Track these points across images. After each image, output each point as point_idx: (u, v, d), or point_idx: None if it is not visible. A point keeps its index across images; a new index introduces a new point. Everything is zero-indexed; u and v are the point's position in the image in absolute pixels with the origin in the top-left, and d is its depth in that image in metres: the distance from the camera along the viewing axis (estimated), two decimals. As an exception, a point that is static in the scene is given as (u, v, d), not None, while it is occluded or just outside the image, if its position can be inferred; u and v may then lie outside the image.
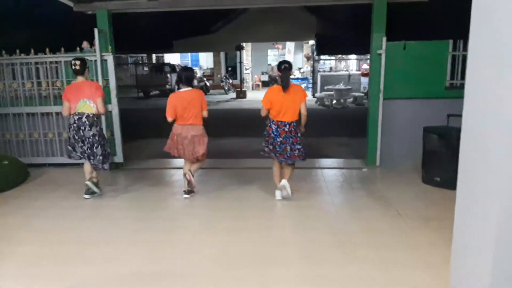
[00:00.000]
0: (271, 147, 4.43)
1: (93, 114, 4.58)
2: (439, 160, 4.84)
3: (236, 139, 8.50)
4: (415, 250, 3.35)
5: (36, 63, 6.05)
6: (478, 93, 1.99)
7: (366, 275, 2.98)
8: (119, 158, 6.14)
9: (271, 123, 4.40)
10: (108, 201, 4.73)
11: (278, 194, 4.61)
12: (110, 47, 5.93)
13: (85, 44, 6.06)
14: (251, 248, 3.45)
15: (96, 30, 5.75)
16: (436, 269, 3.01)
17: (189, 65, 25.18)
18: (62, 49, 5.96)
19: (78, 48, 5.96)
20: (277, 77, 4.47)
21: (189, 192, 4.75)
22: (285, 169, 4.56)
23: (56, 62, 6.01)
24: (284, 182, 4.51)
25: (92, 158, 4.63)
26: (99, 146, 4.63)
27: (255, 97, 18.06)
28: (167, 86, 18.59)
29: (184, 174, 4.69)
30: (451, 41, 5.75)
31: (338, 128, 9.44)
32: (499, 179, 1.78)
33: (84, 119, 4.51)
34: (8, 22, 6.68)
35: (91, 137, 4.55)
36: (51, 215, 4.29)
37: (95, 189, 4.76)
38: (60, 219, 4.17)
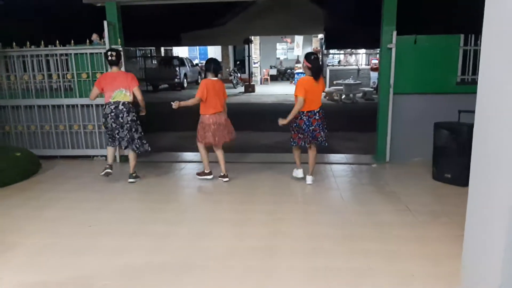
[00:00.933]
0: (301, 136, 4.71)
1: (128, 102, 4.87)
2: (450, 156, 4.80)
3: (245, 133, 8.49)
4: (424, 244, 3.34)
5: (47, 55, 6.09)
6: (491, 89, 1.96)
7: (374, 267, 2.98)
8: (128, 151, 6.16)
9: (302, 116, 4.61)
10: (119, 193, 4.77)
11: (299, 172, 5.08)
12: (119, 39, 5.95)
13: (94, 37, 6.08)
14: (259, 240, 3.46)
15: (105, 23, 5.77)
16: (445, 263, 3.00)
17: (197, 58, 25.28)
18: (72, 41, 6.00)
19: (87, 41, 5.99)
20: (305, 68, 4.67)
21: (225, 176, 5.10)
22: (310, 156, 4.87)
23: (66, 55, 6.05)
24: (308, 178, 4.93)
25: (131, 142, 4.95)
26: (137, 131, 4.97)
27: (264, 91, 18.05)
28: (176, 80, 18.61)
29: (224, 176, 5.09)
30: (462, 36, 5.68)
31: (347, 123, 9.39)
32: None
33: (121, 106, 4.81)
34: (18, 14, 6.72)
35: (129, 122, 4.86)
36: (61, 206, 4.33)
37: (137, 179, 5.17)
38: (70, 210, 4.22)
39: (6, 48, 6.07)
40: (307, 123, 4.64)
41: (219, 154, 5.04)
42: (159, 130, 8.30)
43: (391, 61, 5.62)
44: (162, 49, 23.68)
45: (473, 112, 4.98)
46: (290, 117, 4.60)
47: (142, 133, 5.09)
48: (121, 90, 4.83)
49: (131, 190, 4.91)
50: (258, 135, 8.12)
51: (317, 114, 4.66)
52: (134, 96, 4.94)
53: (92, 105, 6.11)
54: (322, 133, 4.72)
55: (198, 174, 5.24)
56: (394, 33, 5.52)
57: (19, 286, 2.82)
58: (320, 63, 4.61)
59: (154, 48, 22.59)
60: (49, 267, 3.09)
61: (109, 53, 4.86)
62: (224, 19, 13.83)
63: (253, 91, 18.06)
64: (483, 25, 2.01)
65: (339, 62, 21.07)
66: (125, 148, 5.06)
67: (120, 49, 5.29)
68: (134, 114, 4.94)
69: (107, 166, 5.03)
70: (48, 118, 6.25)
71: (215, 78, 4.87)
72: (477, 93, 2.06)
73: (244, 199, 4.50)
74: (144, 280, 2.88)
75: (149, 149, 5.18)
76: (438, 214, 3.95)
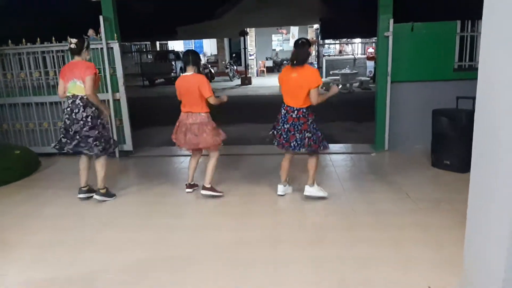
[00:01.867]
0: (275, 131, 4.07)
1: (87, 96, 4.06)
2: (448, 143, 4.83)
3: (243, 125, 8.50)
4: (426, 230, 3.38)
5: (43, 52, 6.06)
6: (491, 75, 1.97)
7: (378, 254, 3.02)
8: (128, 146, 6.18)
9: (282, 107, 4.01)
10: (119, 188, 4.77)
11: (280, 188, 4.27)
12: (116, 34, 5.92)
13: (90, 32, 6.06)
14: (261, 231, 3.49)
15: (101, 18, 5.74)
16: (447, 248, 3.04)
17: (193, 52, 25.07)
18: (68, 37, 5.95)
19: (84, 36, 5.94)
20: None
21: (192, 186, 4.53)
22: (309, 162, 4.09)
23: (63, 51, 6.01)
24: (306, 189, 4.13)
25: (81, 145, 4.10)
26: (92, 130, 4.07)
27: (261, 83, 18.01)
28: (172, 74, 18.55)
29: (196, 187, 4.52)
30: (459, 22, 5.68)
31: (344, 113, 9.39)
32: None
33: (78, 101, 4.03)
34: (13, 11, 6.67)
35: (83, 119, 4.03)
36: (63, 203, 4.34)
37: (108, 198, 4.38)
38: (71, 207, 4.22)
39: (2, 46, 6.03)
40: (284, 119, 3.96)
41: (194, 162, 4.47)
42: (157, 125, 8.29)
43: (388, 49, 5.62)
44: (158, 43, 23.58)
45: (471, 98, 4.99)
46: None
47: (109, 137, 4.32)
48: (74, 81, 4.02)
49: (131, 185, 4.91)
50: (257, 127, 8.12)
51: (295, 112, 3.87)
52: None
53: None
54: (297, 135, 3.88)
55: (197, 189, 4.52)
56: (391, 21, 5.51)
57: (26, 283, 2.84)
58: (309, 50, 3.88)
59: (149, 42, 22.50)
60: (54, 263, 3.10)
61: (69, 40, 4.19)
62: (219, 11, 13.76)
63: (250, 83, 18.03)
64: (483, 11, 2.00)
65: (340, 52, 21.02)
66: (73, 152, 4.23)
67: (86, 37, 4.45)
68: (93, 109, 4.09)
69: (84, 188, 4.38)
70: (46, 115, 6.23)
71: (190, 73, 4.12)
72: (477, 79, 2.06)
73: (245, 191, 4.52)
74: (149, 273, 2.90)
75: (102, 154, 4.23)
76: (438, 201, 3.99)
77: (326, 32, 14.13)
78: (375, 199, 4.13)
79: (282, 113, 3.99)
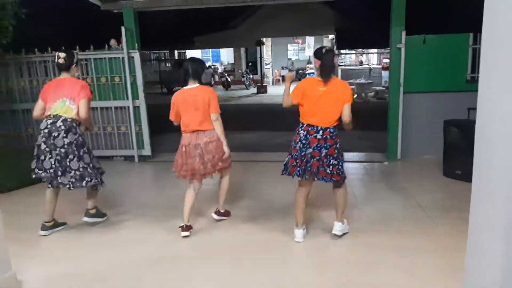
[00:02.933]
0: (295, 162, 3.31)
1: (72, 119, 3.55)
2: (459, 153, 4.88)
3: (258, 133, 8.65)
4: (434, 238, 3.46)
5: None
6: (492, 85, 2.07)
7: (386, 260, 3.12)
8: (147, 151, 6.41)
9: (300, 129, 3.33)
10: (136, 190, 4.96)
11: (298, 233, 3.44)
12: (136, 44, 6.17)
13: (112, 42, 6.33)
14: (270, 232, 3.63)
15: (123, 28, 5.99)
16: (453, 255, 3.10)
17: (210, 61, 25.49)
18: (92, 47, 6.24)
19: (106, 46, 6.23)
20: (316, 69, 3.34)
21: (189, 228, 3.69)
22: (336, 196, 3.48)
23: (86, 60, 6.28)
24: (336, 227, 3.46)
25: (59, 175, 3.53)
26: (76, 159, 3.53)
27: (276, 92, 18.15)
28: (189, 82, 18.84)
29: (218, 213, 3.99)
30: (471, 34, 5.75)
31: (359, 122, 9.40)
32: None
33: (59, 123, 3.49)
34: (39, 21, 6.98)
35: (65, 146, 3.49)
36: (77, 202, 4.51)
37: (99, 219, 3.98)
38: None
39: (28, 54, 6.35)
40: (304, 142, 3.28)
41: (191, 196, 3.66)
42: (175, 131, 8.48)
43: (400, 61, 5.73)
44: (176, 52, 24.01)
45: (482, 109, 5.01)
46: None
47: (96, 166, 3.77)
48: (64, 100, 3.53)
49: (148, 188, 5.09)
50: (272, 134, 8.27)
51: (320, 132, 3.25)
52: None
53: (111, 108, 6.33)
54: (327, 166, 3.25)
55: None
56: (403, 33, 5.63)
57: (45, 279, 3.02)
58: (334, 60, 3.35)
59: (168, 51, 22.94)
60: (74, 260, 3.30)
61: (56, 54, 3.64)
62: (236, 22, 14.04)
63: (266, 91, 18.21)
64: (482, 23, 2.11)
65: (361, 63, 21.06)
66: (49, 182, 3.61)
67: (75, 52, 3.87)
68: (77, 136, 3.56)
69: (47, 223, 3.77)
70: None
71: (194, 86, 3.55)
72: (478, 90, 2.17)
73: (255, 196, 4.64)
74: (160, 272, 3.06)
75: (99, 183, 3.78)
76: (448, 210, 4.06)
77: (342, 42, 14.26)
78: (386, 206, 4.23)
79: (301, 135, 3.30)
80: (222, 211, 3.99)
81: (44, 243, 3.63)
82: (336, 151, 3.31)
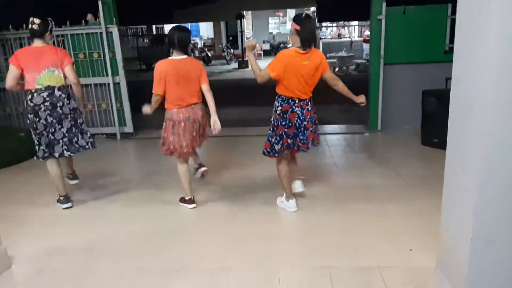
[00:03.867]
0: (290, 140, 3.30)
1: (64, 86, 3.64)
2: (437, 122, 5.01)
3: (241, 108, 8.67)
4: (413, 202, 3.62)
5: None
6: (465, 55, 2.15)
7: (367, 223, 3.26)
8: (129, 128, 6.38)
9: (293, 106, 3.22)
10: (123, 167, 4.98)
11: (292, 203, 3.52)
12: (114, 19, 6.04)
13: (89, 17, 6.17)
14: (259, 197, 3.72)
15: (100, 2, 5.84)
16: (432, 216, 3.23)
17: (190, 36, 25.02)
18: (68, 22, 6.07)
19: (83, 21, 6.08)
20: (293, 33, 3.14)
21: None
22: (292, 164, 3.59)
23: (63, 36, 6.13)
24: (299, 184, 3.59)
25: (77, 140, 3.70)
26: (83, 121, 3.80)
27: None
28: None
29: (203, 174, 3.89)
30: (450, 5, 5.81)
31: (340, 95, 9.54)
32: (481, 133, 1.97)
33: (58, 92, 3.54)
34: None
35: (72, 112, 3.64)
36: (67, 181, 4.53)
37: (75, 181, 4.24)
38: (77, 184, 4.42)
39: (2, 31, 6.15)
40: (301, 118, 3.27)
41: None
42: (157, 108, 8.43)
43: (381, 32, 5.77)
44: (154, 27, 23.49)
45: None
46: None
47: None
48: (52, 70, 3.51)
49: (133, 165, 5.11)
50: (255, 109, 8.29)
51: (309, 104, 3.30)
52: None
53: (90, 85, 6.21)
54: (314, 129, 3.38)
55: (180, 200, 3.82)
56: (384, 4, 5.65)
57: (39, 253, 3.05)
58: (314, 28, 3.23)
59: (145, 26, 22.42)
60: (64, 234, 3.34)
61: (31, 20, 3.49)
62: (216, -6, 13.80)
63: (247, 66, 18.07)
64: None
65: (339, 36, 21.02)
66: (66, 154, 3.69)
67: (49, 19, 3.64)
68: (75, 102, 3.73)
69: (63, 198, 3.80)
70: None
71: (183, 57, 3.35)
72: (453, 59, 2.25)
73: (242, 173, 4.72)
74: (155, 243, 3.13)
75: (96, 146, 3.98)
76: (426, 177, 4.21)
77: (323, 15, 14.20)
78: (366, 175, 4.36)
79: (298, 112, 3.24)
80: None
81: (34, 219, 3.64)
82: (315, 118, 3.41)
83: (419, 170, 4.44)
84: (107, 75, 6.14)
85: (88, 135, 3.80)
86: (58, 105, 3.53)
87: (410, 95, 5.91)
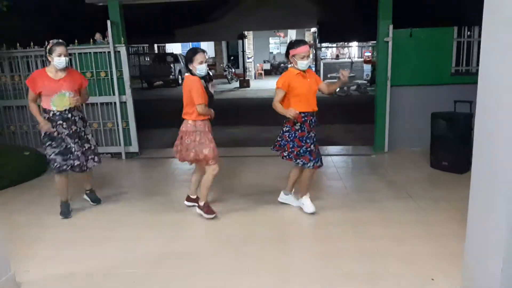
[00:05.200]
0: (314, 148, 3.72)
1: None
2: (446, 145, 5.00)
3: (244, 127, 8.65)
4: (426, 226, 3.55)
5: (51, 55, 6.17)
6: (492, 78, 2.13)
7: (382, 248, 3.19)
8: (134, 147, 6.32)
9: (304, 119, 3.65)
10: (128, 188, 4.90)
11: (309, 204, 3.93)
12: (122, 38, 6.06)
13: (97, 36, 6.18)
14: (267, 229, 3.65)
15: (109, 22, 5.87)
16: (446, 244, 3.21)
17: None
18: (76, 41, 6.09)
19: (91, 40, 6.09)
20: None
21: (190, 200, 4.16)
22: (302, 175, 3.92)
23: (70, 54, 6.12)
24: (306, 201, 3.96)
25: (94, 155, 4.08)
26: (92, 139, 4.15)
27: (259, 86, 18.18)
28: (171, 76, 18.65)
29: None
30: (455, 28, 5.87)
31: (343, 116, 9.58)
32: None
33: (73, 113, 3.89)
34: (22, 15, 6.79)
35: (82, 127, 4.00)
36: (75, 200, 4.45)
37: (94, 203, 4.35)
38: (82, 204, 4.34)
39: (10, 49, 6.15)
40: (312, 130, 3.74)
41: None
42: (159, 127, 8.42)
43: (388, 54, 5.80)
44: (155, 46, 23.69)
45: (468, 102, 5.18)
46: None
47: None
48: (62, 93, 3.82)
49: (139, 185, 5.05)
50: (258, 129, 8.28)
51: (315, 117, 3.77)
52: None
53: (97, 104, 6.20)
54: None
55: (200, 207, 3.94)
56: (391, 26, 5.69)
57: (47, 278, 2.96)
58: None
59: (147, 45, 22.61)
60: (73, 258, 3.24)
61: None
62: (217, 14, 13.92)
63: (248, 86, 18.18)
64: (483, 17, 2.15)
65: (337, 56, 21.21)
66: (84, 169, 4.00)
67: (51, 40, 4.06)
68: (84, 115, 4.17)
69: (64, 202, 4.08)
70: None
71: (187, 74, 3.71)
72: (478, 83, 2.22)
73: (247, 191, 4.65)
74: (166, 268, 3.04)
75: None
76: (438, 200, 4.15)
77: (324, 36, 14.37)
78: (377, 197, 4.30)
79: (309, 124, 3.68)
80: (201, 204, 3.93)
81: (41, 241, 3.55)
82: None
83: (431, 193, 4.39)
84: (113, 94, 6.12)
85: (96, 150, 4.14)
86: (78, 125, 3.95)
87: (416, 117, 5.92)
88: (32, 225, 3.88)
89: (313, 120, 3.69)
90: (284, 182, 4.18)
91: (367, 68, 16.13)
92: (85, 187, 4.35)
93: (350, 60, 18.00)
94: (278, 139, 3.81)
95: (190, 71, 3.63)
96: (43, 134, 3.87)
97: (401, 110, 6.01)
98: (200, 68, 3.57)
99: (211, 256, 3.22)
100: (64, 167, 3.83)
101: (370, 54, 17.18)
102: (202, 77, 3.66)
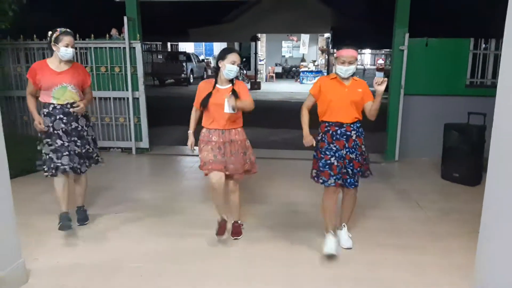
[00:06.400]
0: (333, 164, 3.15)
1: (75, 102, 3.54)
2: (458, 156, 4.96)
3: (254, 129, 8.64)
4: (435, 238, 3.52)
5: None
6: (510, 91, 2.10)
7: (390, 259, 3.16)
8: (145, 143, 6.37)
9: (327, 128, 3.21)
10: (136, 184, 4.92)
11: (331, 243, 3.13)
12: (138, 35, 6.10)
13: (113, 31, 6.24)
14: (274, 231, 3.64)
15: (125, 18, 5.92)
16: (455, 255, 3.19)
17: (203, 54, 25.23)
18: (92, 35, 6.14)
19: (107, 35, 6.14)
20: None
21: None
22: (345, 202, 3.46)
23: (86, 48, 6.19)
24: (344, 233, 3.41)
25: (87, 159, 3.66)
26: (93, 142, 3.76)
27: (270, 89, 18.19)
28: (183, 75, 18.74)
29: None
30: (472, 39, 5.83)
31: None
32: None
33: (70, 109, 3.51)
34: (40, 9, 6.86)
35: (83, 129, 3.60)
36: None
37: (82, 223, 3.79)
38: (93, 197, 4.37)
39: (27, 40, 6.22)
40: (339, 141, 3.18)
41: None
42: (169, 124, 8.46)
43: (402, 63, 5.78)
44: (168, 44, 23.81)
45: (482, 114, 5.12)
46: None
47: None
48: (64, 86, 3.46)
49: (149, 182, 5.06)
50: (267, 131, 8.28)
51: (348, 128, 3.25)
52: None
53: (110, 98, 6.25)
54: (359, 159, 3.30)
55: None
56: (407, 35, 5.67)
57: (55, 267, 2.99)
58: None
59: (160, 43, 22.74)
60: (82, 249, 3.28)
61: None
62: (232, 16, 14.00)
63: (259, 88, 18.20)
64: (505, 28, 2.12)
65: (362, 65, 21.13)
66: (77, 172, 3.57)
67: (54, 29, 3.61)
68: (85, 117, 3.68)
69: (64, 214, 3.52)
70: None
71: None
72: (496, 95, 2.20)
73: (258, 194, 4.65)
74: (175, 263, 3.05)
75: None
76: (448, 211, 4.12)
77: (337, 41, 14.35)
78: (386, 207, 4.27)
79: (331, 135, 3.20)
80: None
81: (51, 230, 3.56)
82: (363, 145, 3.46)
83: (440, 204, 4.35)
84: (127, 89, 6.17)
85: (94, 155, 3.75)
86: (72, 123, 3.52)
87: (429, 126, 5.87)
88: (43, 214, 3.90)
89: (338, 132, 3.18)
90: (297, 184, 4.16)
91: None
92: (76, 203, 3.84)
93: (363, 67, 17.95)
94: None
95: (218, 69, 3.38)
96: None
97: (413, 119, 5.98)
98: (230, 68, 3.28)
99: (221, 254, 3.22)
100: (59, 165, 3.43)
101: (383, 62, 17.13)
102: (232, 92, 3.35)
